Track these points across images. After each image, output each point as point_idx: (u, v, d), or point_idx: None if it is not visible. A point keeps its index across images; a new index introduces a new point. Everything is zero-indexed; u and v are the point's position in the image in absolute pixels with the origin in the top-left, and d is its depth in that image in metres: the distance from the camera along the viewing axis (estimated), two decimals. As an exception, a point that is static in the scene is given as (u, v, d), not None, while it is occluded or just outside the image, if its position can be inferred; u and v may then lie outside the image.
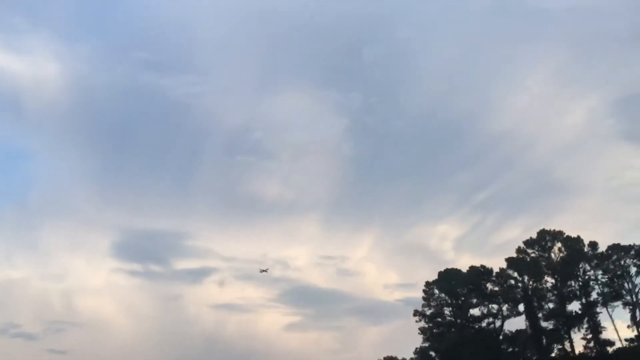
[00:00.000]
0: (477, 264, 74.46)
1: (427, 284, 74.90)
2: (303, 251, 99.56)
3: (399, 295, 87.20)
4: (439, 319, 73.53)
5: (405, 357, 76.23)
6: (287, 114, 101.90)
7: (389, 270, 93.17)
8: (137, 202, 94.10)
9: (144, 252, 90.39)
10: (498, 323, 70.85)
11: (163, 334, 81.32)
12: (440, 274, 74.95)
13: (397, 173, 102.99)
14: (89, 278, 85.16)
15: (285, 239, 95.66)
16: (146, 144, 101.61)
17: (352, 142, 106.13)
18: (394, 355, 78.17)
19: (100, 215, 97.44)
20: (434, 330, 73.04)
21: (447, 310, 73.89)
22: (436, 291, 74.67)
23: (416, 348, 74.20)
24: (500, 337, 69.75)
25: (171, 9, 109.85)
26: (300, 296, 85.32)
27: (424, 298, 74.49)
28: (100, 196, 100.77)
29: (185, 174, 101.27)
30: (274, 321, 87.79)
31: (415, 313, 74.21)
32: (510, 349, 68.94)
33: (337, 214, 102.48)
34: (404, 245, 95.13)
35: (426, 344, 72.90)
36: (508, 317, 70.09)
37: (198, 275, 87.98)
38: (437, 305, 73.91)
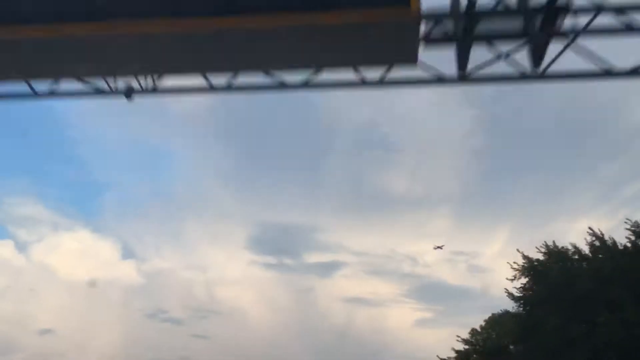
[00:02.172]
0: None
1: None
2: (432, 246, 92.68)
3: (534, 293, 70.29)
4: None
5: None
6: (413, 106, 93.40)
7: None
8: (271, 196, 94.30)
9: (278, 245, 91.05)
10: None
11: (296, 326, 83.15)
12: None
13: (532, 166, 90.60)
14: (228, 269, 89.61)
15: (414, 234, 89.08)
16: (278, 141, 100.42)
17: (482, 134, 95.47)
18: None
19: (237, 209, 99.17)
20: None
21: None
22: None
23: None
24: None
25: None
26: (431, 292, 78.69)
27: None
28: (236, 191, 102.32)
29: (315, 169, 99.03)
30: (403, 317, 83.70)
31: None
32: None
33: (468, 208, 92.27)
34: (541, 241, 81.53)
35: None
36: None
37: (328, 269, 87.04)
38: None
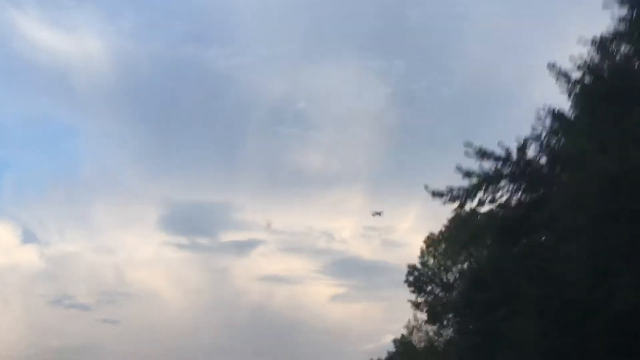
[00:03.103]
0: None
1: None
2: (348, 223, 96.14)
3: (448, 264, 74.38)
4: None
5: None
6: (330, 84, 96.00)
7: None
8: (183, 175, 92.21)
9: (192, 225, 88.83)
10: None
11: (211, 305, 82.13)
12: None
13: (443, 141, 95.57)
14: (138, 251, 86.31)
15: (330, 210, 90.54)
16: (190, 117, 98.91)
17: (397, 111, 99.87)
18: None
19: (148, 188, 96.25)
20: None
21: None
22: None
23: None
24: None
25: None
26: (346, 267, 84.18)
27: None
28: (147, 170, 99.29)
29: (229, 146, 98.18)
30: (319, 293, 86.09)
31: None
32: None
33: (383, 184, 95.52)
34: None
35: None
36: None
37: (244, 247, 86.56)
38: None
